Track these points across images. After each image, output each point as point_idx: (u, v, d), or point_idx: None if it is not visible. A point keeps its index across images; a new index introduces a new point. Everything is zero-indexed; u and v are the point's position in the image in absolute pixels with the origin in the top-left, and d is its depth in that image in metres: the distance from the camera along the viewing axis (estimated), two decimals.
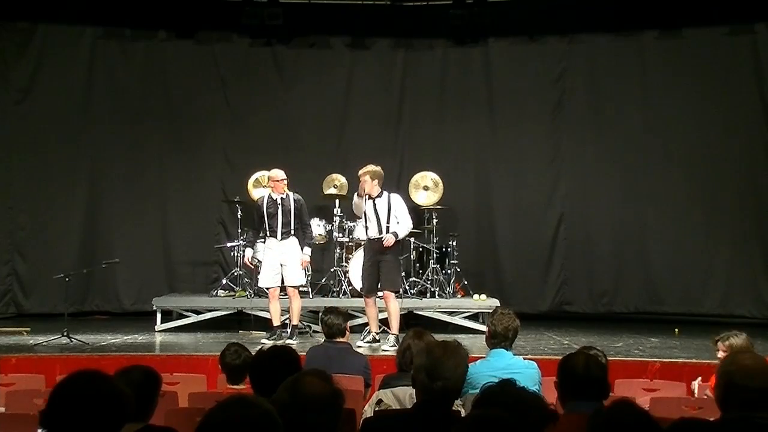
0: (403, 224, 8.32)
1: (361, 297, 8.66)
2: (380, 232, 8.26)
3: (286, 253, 8.48)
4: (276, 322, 8.54)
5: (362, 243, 8.60)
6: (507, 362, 4.53)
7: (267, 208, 8.52)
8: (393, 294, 8.34)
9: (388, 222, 8.27)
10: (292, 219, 8.49)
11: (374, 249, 8.31)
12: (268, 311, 8.70)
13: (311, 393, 2.51)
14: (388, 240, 8.16)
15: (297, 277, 8.56)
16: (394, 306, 8.33)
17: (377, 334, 8.38)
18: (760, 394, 2.84)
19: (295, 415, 2.44)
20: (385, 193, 8.39)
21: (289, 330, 8.58)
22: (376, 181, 8.30)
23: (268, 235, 8.53)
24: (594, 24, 11.16)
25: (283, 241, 8.51)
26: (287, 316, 8.72)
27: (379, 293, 8.42)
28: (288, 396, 2.50)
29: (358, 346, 7.93)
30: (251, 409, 2.12)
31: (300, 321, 9.04)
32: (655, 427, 2.55)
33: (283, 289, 8.61)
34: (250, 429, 2.08)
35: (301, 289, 9.41)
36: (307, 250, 8.57)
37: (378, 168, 8.38)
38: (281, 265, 8.48)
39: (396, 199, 8.42)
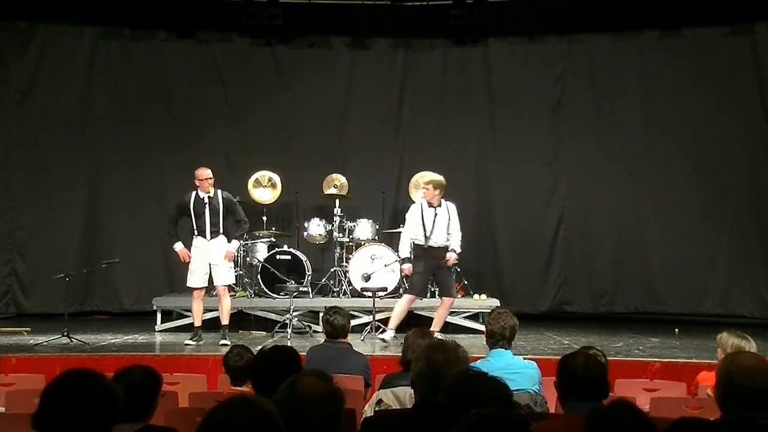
0: (457, 236, 8.44)
1: (361, 297, 8.67)
2: (443, 240, 8.37)
3: (214, 252, 8.42)
4: (198, 323, 8.53)
5: (420, 248, 8.45)
6: (507, 362, 4.52)
7: (194, 207, 8.41)
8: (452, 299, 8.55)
9: (448, 232, 8.39)
10: (221, 218, 8.43)
11: (435, 256, 8.37)
12: (266, 311, 8.72)
13: (310, 393, 2.51)
14: (452, 259, 8.36)
15: (226, 276, 8.52)
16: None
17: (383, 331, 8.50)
18: (760, 394, 2.83)
19: (295, 415, 2.44)
20: (444, 203, 8.46)
21: (221, 331, 8.54)
22: (438, 191, 8.37)
23: (197, 234, 8.44)
24: (594, 24, 11.16)
25: (212, 240, 8.43)
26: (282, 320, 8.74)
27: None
28: (287, 396, 2.50)
29: (382, 339, 8.24)
30: (252, 408, 2.13)
31: (300, 321, 9.05)
32: (651, 427, 2.54)
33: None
34: (251, 429, 2.08)
35: (301, 289, 9.43)
36: (234, 243, 8.57)
37: (442, 178, 8.49)
38: (210, 264, 8.44)
39: (454, 209, 8.50)
